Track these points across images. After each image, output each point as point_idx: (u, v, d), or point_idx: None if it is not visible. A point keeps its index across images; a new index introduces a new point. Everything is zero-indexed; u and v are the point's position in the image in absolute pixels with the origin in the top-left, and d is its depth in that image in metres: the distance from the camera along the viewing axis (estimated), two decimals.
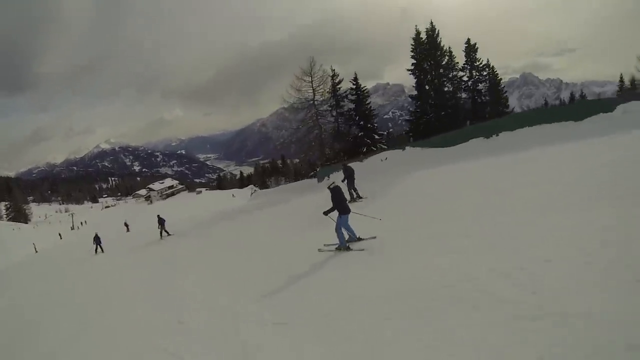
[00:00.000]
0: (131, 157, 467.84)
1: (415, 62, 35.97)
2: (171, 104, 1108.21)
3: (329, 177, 27.15)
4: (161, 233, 23.36)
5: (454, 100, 35.26)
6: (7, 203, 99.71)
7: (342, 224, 9.00)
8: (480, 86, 35.90)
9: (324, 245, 9.69)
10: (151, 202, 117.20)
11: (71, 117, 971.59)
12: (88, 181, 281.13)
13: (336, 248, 9.15)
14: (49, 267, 23.26)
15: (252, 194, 54.21)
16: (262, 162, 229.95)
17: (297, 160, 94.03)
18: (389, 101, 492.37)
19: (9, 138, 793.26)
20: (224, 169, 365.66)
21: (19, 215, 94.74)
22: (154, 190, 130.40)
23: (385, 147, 36.52)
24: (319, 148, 39.08)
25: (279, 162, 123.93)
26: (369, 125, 38.16)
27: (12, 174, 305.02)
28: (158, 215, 24.87)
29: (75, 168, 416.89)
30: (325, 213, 9.27)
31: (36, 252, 39.68)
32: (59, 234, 53.33)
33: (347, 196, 13.12)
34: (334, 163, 35.00)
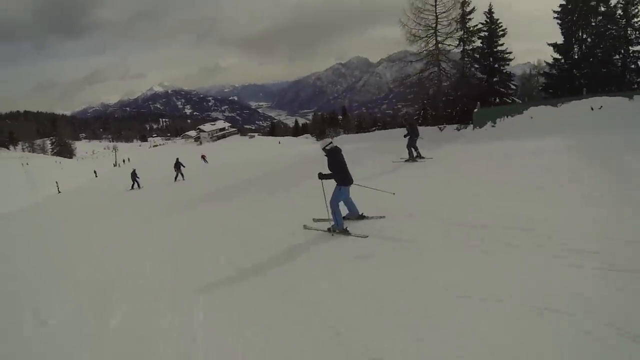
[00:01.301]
0: (183, 100, 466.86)
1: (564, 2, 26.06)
2: (227, 52, 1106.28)
3: (494, 123, 20.46)
4: (176, 177, 24.09)
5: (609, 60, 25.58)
6: (52, 138, 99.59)
7: (339, 196, 7.03)
8: None
9: (313, 220, 7.84)
10: (200, 143, 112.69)
11: (127, 60, 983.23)
12: (139, 121, 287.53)
13: (328, 229, 7.04)
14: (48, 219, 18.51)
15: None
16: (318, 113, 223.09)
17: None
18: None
19: (66, 79, 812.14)
20: (275, 117, 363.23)
21: (64, 150, 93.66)
22: (204, 132, 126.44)
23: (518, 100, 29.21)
24: (435, 90, 30.75)
25: (339, 116, 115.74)
26: (504, 70, 29.01)
27: (68, 112, 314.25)
28: (177, 159, 25.08)
29: (128, 109, 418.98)
30: (322, 177, 7.04)
31: (59, 192, 33.83)
32: (94, 171, 48.44)
33: (405, 155, 14.00)
34: (496, 104, 27.27)
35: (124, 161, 72.65)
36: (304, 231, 7.46)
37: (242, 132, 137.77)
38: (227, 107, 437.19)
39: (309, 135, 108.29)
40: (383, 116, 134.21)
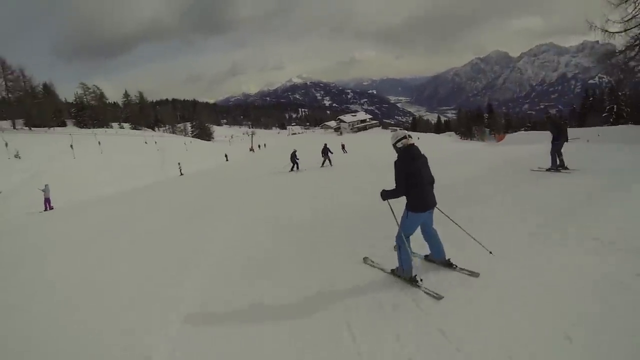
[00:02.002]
0: (322, 92, 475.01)
1: None
2: (363, 45, 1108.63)
3: None
4: (323, 162, 22.85)
5: None
6: (192, 122, 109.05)
7: (407, 227, 4.51)
8: None
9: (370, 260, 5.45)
10: (341, 133, 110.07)
11: (265, 53, 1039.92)
12: (279, 110, 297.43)
13: (392, 270, 4.85)
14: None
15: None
16: (456, 110, 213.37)
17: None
18: (597, 64, 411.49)
19: (210, 71, 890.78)
20: (415, 113, 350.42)
21: (203, 133, 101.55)
22: (345, 122, 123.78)
23: None
24: None
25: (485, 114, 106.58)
26: None
27: (212, 101, 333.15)
28: (325, 145, 23.76)
29: (268, 98, 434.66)
30: (385, 197, 4.55)
31: (181, 174, 36.32)
32: (225, 155, 48.32)
33: (549, 163, 10.94)
34: None
35: (259, 146, 70.81)
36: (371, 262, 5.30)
37: (384, 125, 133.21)
38: (366, 100, 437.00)
39: (452, 133, 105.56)
40: (524, 116, 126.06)
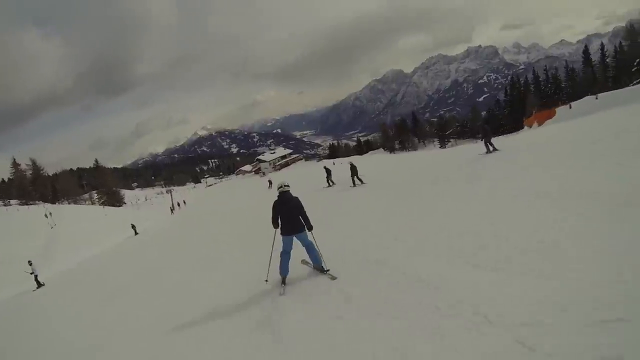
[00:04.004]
0: (228, 140, 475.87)
1: None
2: (263, 86, 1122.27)
3: None
4: (328, 181, 24.25)
5: None
6: (97, 190, 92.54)
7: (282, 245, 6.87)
8: None
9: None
10: (263, 174, 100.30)
11: (169, 109, 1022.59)
12: (189, 165, 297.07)
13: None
14: None
15: None
16: (359, 134, 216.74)
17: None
18: (482, 65, 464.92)
19: (116, 135, 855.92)
20: (322, 144, 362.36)
21: (111, 199, 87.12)
22: (265, 161, 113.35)
23: None
24: None
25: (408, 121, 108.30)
26: None
27: (119, 165, 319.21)
28: (325, 167, 26.40)
29: (176, 155, 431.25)
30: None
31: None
32: (132, 226, 34.76)
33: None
34: None
35: (178, 204, 59.30)
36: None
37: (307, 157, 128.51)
38: (272, 140, 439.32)
39: (381, 149, 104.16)
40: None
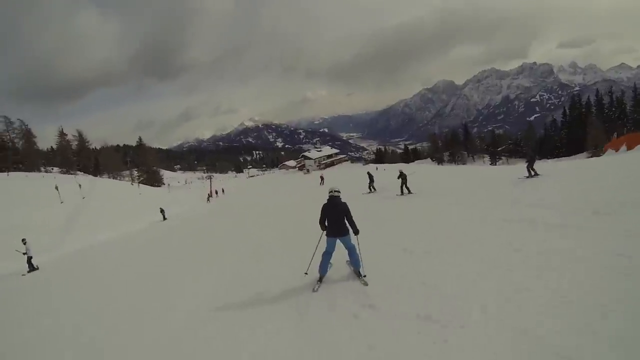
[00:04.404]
0: (274, 133, 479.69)
1: None
2: (314, 84, 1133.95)
3: None
4: (370, 187, 23.95)
5: None
6: (138, 167, 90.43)
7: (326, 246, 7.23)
8: None
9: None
10: (308, 171, 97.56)
11: (217, 97, 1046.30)
12: (233, 153, 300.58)
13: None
14: None
15: None
16: (406, 142, 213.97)
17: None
18: (536, 83, 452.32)
19: (163, 117, 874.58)
20: (367, 147, 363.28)
21: (150, 179, 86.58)
22: (310, 159, 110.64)
23: None
24: None
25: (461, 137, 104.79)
26: None
27: (165, 147, 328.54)
28: (368, 172, 26.09)
29: (220, 143, 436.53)
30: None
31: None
32: (161, 211, 31.57)
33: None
34: None
35: (216, 193, 56.22)
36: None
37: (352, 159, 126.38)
38: (318, 139, 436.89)
39: (429, 159, 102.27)
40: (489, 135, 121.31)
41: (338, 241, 6.85)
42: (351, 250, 6.91)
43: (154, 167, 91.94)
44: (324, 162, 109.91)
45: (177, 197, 47.60)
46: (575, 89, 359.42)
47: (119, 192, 44.37)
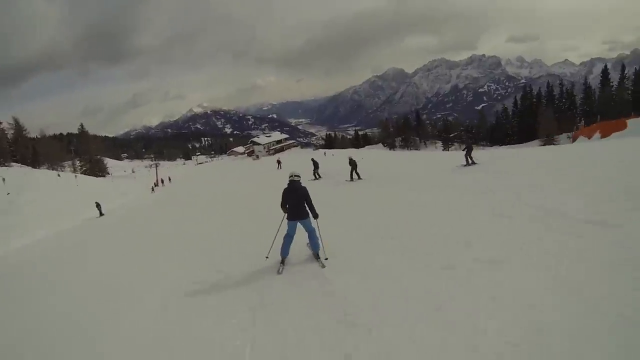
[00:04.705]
0: (223, 120, 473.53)
1: None
2: (264, 70, 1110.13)
3: None
4: (314, 174, 23.53)
5: None
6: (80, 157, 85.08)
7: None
8: None
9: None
10: (257, 157, 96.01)
11: (166, 83, 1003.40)
12: (181, 140, 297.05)
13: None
14: None
15: None
16: (355, 128, 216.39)
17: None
18: (484, 74, 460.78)
19: (109, 104, 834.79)
20: (316, 133, 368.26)
21: (94, 168, 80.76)
22: (259, 144, 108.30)
23: None
24: None
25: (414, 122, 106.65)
26: None
27: (111, 135, 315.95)
28: (312, 159, 25.63)
29: (169, 130, 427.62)
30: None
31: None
32: (97, 205, 28.60)
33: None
34: None
35: (162, 182, 54.21)
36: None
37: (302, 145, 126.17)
38: (266, 125, 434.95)
39: (380, 145, 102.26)
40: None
41: (299, 224, 7.18)
42: (311, 233, 7.25)
43: (98, 156, 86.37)
44: (274, 147, 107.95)
45: (120, 187, 45.15)
46: (521, 82, 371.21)
47: (53, 184, 40.83)
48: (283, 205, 7.21)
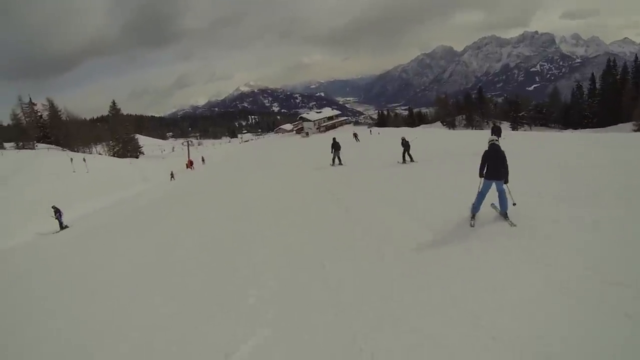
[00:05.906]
0: (270, 98, 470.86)
1: None
2: (310, 49, 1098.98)
3: None
4: (404, 157, 19.46)
5: None
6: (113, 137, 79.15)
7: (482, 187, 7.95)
8: None
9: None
10: (307, 134, 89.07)
11: (212, 64, 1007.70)
12: (228, 119, 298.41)
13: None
14: None
15: None
16: (402, 107, 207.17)
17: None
18: (537, 52, 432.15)
19: (156, 85, 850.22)
20: (364, 112, 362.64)
21: (125, 149, 76.03)
22: (310, 121, 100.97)
23: None
24: None
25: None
26: None
27: (158, 115, 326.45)
28: (403, 138, 20.16)
29: (216, 109, 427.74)
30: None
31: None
32: (56, 213, 21.65)
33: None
34: None
35: (192, 164, 45.19)
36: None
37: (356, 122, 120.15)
38: (314, 103, 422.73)
39: (439, 123, 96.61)
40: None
41: (494, 184, 7.45)
42: (501, 194, 7.44)
43: (131, 135, 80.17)
44: (325, 124, 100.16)
45: (145, 171, 37.82)
46: (576, 61, 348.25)
47: (52, 170, 32.74)
48: (482, 168, 7.47)
